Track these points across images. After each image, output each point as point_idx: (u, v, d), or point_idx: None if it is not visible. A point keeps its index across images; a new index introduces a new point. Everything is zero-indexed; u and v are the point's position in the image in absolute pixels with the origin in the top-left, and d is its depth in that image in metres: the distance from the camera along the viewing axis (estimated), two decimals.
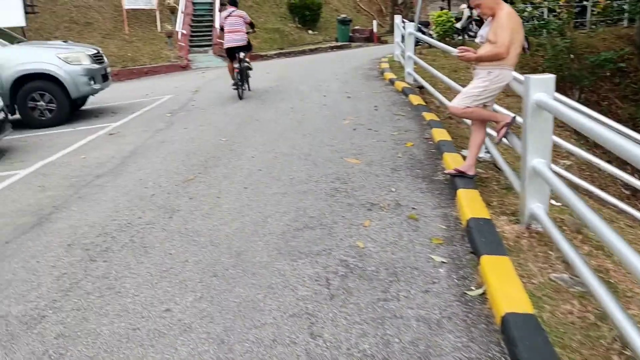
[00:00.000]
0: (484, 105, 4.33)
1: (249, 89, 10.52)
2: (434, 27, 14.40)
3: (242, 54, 9.61)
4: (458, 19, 15.69)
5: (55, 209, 4.82)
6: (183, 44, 18.54)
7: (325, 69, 13.24)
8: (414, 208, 4.20)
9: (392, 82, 10.25)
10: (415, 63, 10.01)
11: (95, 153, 6.71)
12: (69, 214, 4.67)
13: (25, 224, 4.50)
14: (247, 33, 9.82)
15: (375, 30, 22.52)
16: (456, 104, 4.34)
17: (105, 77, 9.42)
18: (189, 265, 3.51)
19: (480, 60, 4.16)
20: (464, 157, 5.04)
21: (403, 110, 7.86)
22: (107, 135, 7.73)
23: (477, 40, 4.47)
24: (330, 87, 10.40)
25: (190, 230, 4.09)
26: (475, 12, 16.97)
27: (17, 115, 8.76)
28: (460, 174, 4.58)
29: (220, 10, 9.59)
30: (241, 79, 9.92)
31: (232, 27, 9.64)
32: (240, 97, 9.83)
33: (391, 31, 31.02)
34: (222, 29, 9.95)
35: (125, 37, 19.41)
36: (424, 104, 8.28)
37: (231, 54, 9.78)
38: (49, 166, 6.30)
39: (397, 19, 12.87)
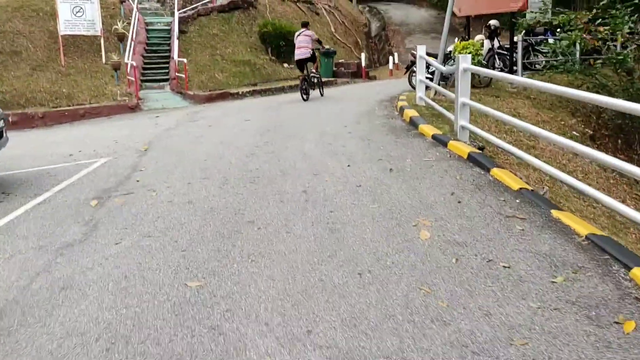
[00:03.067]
0: None
1: (322, 94, 13.23)
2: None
3: (309, 64, 12.38)
4: None
5: None
6: (133, 79, 14.93)
7: (325, 115, 9.87)
8: None
9: (439, 141, 6.94)
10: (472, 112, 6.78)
11: None
12: None
13: None
14: (316, 49, 12.63)
15: (363, 64, 19.44)
16: None
17: None
18: None
19: None
20: None
21: (507, 204, 4.49)
22: None
23: None
24: (348, 146, 6.99)
25: None
26: (496, 43, 14.10)
27: None
28: None
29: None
30: (308, 85, 12.52)
31: (300, 44, 12.18)
32: (305, 100, 12.32)
33: (370, 66, 28.12)
34: (294, 45, 12.44)
35: (60, 69, 15.70)
36: (527, 186, 4.98)
37: (300, 65, 12.43)
38: None
39: (421, 49, 9.67)
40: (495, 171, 5.40)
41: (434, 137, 7.16)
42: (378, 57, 31.14)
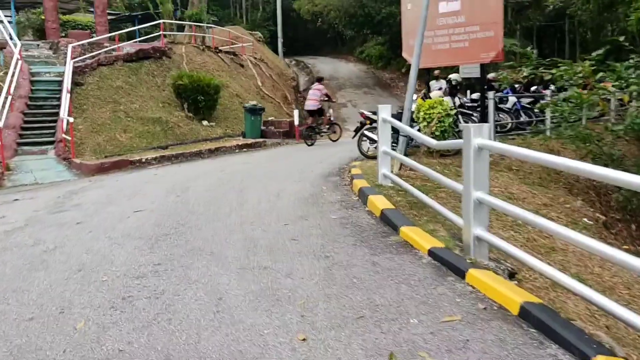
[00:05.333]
0: None
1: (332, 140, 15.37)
2: (421, 122, 8.88)
3: (316, 117, 14.64)
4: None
5: None
6: (4, 143, 11.41)
7: (254, 201, 6.93)
8: None
9: (446, 264, 4.21)
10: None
11: None
12: None
13: None
14: (323, 101, 14.53)
15: (296, 122, 16.86)
16: None
17: None
18: None
19: None
20: None
21: None
22: None
23: None
24: (297, 278, 4.07)
25: None
26: (457, 100, 11.89)
27: None
28: None
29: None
30: (314, 133, 14.61)
31: (310, 96, 14.53)
32: (309, 145, 14.34)
33: (302, 124, 25.62)
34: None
35: None
36: None
37: (309, 114, 14.93)
38: None
39: (384, 111, 7.06)
40: None
41: (433, 255, 4.42)
42: None
